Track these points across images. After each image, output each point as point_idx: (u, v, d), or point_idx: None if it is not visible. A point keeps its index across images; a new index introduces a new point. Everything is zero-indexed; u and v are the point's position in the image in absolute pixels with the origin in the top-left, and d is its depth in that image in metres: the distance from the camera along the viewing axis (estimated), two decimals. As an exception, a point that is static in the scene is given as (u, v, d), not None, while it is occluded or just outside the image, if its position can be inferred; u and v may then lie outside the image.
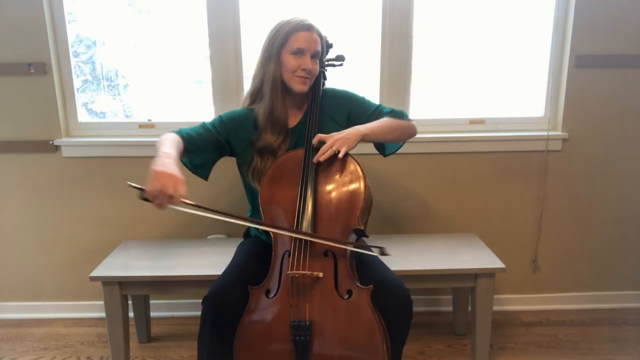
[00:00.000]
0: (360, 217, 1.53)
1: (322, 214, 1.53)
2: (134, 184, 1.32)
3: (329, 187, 1.56)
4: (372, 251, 1.54)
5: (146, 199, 1.32)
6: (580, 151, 2.30)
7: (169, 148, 1.46)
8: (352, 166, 1.59)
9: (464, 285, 1.92)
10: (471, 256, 1.97)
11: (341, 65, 1.81)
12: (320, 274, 1.45)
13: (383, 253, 1.50)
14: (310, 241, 1.49)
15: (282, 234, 1.54)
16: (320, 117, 1.69)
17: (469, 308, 2.14)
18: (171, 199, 1.31)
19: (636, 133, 2.29)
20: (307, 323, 1.42)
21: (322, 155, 1.53)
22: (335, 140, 1.54)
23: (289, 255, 1.51)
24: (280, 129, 1.67)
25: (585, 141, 2.29)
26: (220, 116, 1.73)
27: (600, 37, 2.17)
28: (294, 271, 1.45)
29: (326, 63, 1.79)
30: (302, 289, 1.45)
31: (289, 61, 1.61)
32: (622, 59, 2.19)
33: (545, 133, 2.27)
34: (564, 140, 2.28)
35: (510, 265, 2.20)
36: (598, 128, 2.27)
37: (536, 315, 2.41)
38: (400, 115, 1.71)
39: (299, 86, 1.63)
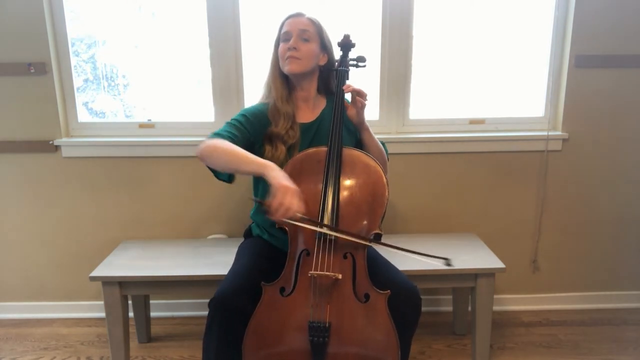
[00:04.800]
0: (381, 222, 1.54)
1: (343, 216, 1.52)
2: (257, 199, 1.44)
3: (352, 191, 1.55)
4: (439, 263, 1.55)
5: (267, 212, 1.41)
6: (580, 151, 2.30)
7: (254, 156, 1.51)
8: (376, 170, 1.58)
9: (464, 285, 1.92)
10: (471, 256, 1.97)
11: (364, 66, 1.79)
12: (340, 276, 1.45)
13: (449, 264, 1.51)
14: (333, 242, 1.48)
15: (302, 233, 1.52)
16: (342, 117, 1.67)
17: (469, 308, 2.15)
18: (288, 211, 1.38)
19: (636, 133, 2.29)
20: (327, 324, 1.42)
21: (355, 87, 1.62)
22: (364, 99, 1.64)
23: (308, 255, 1.50)
24: (285, 117, 1.67)
25: (585, 141, 2.29)
26: (244, 114, 1.70)
27: (600, 37, 2.17)
28: (316, 271, 1.45)
29: (350, 63, 1.77)
30: (322, 290, 1.45)
31: (281, 48, 1.68)
32: (621, 59, 2.19)
33: (545, 133, 2.27)
34: (564, 140, 2.28)
35: (510, 265, 2.20)
36: (598, 128, 2.27)
37: (536, 315, 2.41)
38: (386, 151, 1.81)
39: (286, 67, 1.66)
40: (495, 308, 2.33)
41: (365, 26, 2.21)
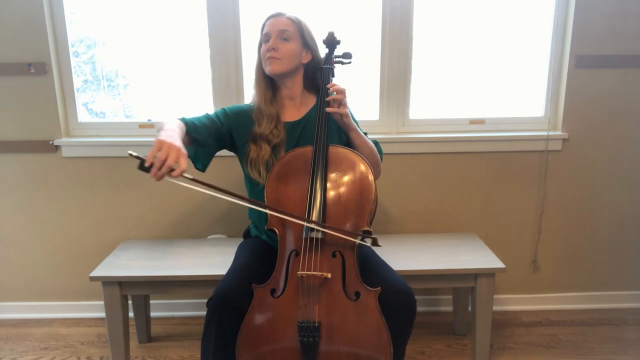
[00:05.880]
0: (369, 219, 1.54)
1: (330, 213, 1.52)
2: (134, 153, 1.29)
3: (338, 188, 1.56)
4: (364, 241, 1.54)
5: (145, 169, 1.29)
6: (580, 151, 2.30)
7: (175, 127, 1.46)
8: (362, 167, 1.58)
9: (464, 285, 1.92)
10: (471, 256, 1.97)
11: (350, 62, 1.79)
12: (329, 275, 1.45)
13: (375, 244, 1.50)
14: (320, 241, 1.48)
15: (291, 233, 1.53)
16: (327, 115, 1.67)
17: (469, 308, 2.15)
18: (172, 171, 1.30)
19: (636, 133, 2.29)
20: (316, 324, 1.42)
21: (336, 89, 1.59)
22: (344, 106, 1.61)
23: (297, 255, 1.50)
24: (269, 118, 1.68)
25: (585, 141, 2.29)
26: (224, 109, 1.75)
27: (600, 37, 2.17)
28: (304, 271, 1.45)
29: (334, 60, 1.77)
30: (311, 289, 1.45)
31: (262, 49, 1.69)
32: (621, 59, 2.19)
33: (545, 133, 2.27)
34: (564, 140, 2.28)
35: (510, 265, 2.20)
36: (598, 128, 2.27)
37: (536, 315, 2.41)
38: (380, 151, 1.79)
39: (267, 67, 1.67)
40: (495, 308, 2.33)
41: (365, 26, 2.21)
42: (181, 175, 1.31)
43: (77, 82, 2.27)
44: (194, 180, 1.35)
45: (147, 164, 1.29)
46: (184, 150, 1.33)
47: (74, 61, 2.24)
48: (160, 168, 1.29)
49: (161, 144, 1.30)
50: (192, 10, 2.21)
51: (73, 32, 2.22)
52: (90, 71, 2.31)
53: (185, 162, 1.32)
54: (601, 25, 2.16)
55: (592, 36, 2.17)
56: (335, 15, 2.21)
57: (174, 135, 1.37)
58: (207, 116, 1.69)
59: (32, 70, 2.15)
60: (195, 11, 2.20)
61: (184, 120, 1.60)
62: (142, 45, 2.27)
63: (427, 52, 2.26)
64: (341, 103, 1.60)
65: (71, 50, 2.22)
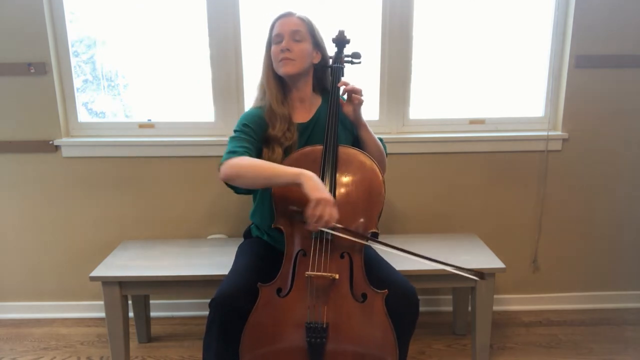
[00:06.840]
0: (377, 220, 1.54)
1: (340, 214, 1.50)
2: (295, 208, 1.47)
3: (348, 189, 1.55)
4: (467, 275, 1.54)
5: (303, 222, 1.44)
6: (580, 151, 2.30)
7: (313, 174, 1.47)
8: (372, 168, 1.57)
9: (464, 285, 1.92)
10: (471, 256, 1.97)
11: (359, 62, 1.77)
12: (337, 276, 1.45)
13: (481, 277, 1.51)
14: (330, 242, 1.49)
15: (298, 233, 1.53)
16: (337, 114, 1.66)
17: (469, 308, 2.15)
18: (327, 223, 1.41)
19: (636, 133, 2.29)
20: (324, 325, 1.42)
21: (349, 85, 1.63)
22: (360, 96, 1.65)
23: (304, 255, 1.50)
24: (282, 119, 1.66)
25: (585, 141, 2.29)
26: (244, 123, 1.65)
27: (600, 37, 2.17)
28: (313, 272, 1.45)
29: (345, 60, 1.76)
30: (319, 290, 1.45)
31: (274, 50, 1.66)
32: (621, 59, 2.19)
33: (545, 133, 2.27)
34: (564, 140, 2.28)
35: (510, 265, 2.20)
36: (598, 128, 2.27)
37: (536, 315, 2.41)
38: (385, 148, 1.80)
39: (281, 69, 1.65)
40: (495, 308, 2.33)
41: (366, 26, 2.21)
42: (334, 225, 1.44)
43: (77, 82, 2.27)
44: (344, 229, 1.47)
45: (306, 220, 1.42)
46: (334, 200, 1.43)
47: (74, 61, 2.24)
48: (317, 222, 1.40)
49: (319, 202, 1.40)
50: (192, 10, 2.21)
51: (73, 32, 2.22)
52: (90, 71, 2.31)
53: (336, 214, 1.43)
54: (601, 25, 2.16)
55: (592, 36, 2.17)
56: (335, 15, 2.20)
57: (320, 183, 1.44)
58: (244, 139, 1.61)
59: (32, 70, 2.15)
60: (195, 11, 2.20)
61: (243, 154, 1.56)
62: (142, 45, 2.27)
63: (427, 52, 2.26)
64: (355, 90, 1.64)
65: (71, 50, 2.22)
